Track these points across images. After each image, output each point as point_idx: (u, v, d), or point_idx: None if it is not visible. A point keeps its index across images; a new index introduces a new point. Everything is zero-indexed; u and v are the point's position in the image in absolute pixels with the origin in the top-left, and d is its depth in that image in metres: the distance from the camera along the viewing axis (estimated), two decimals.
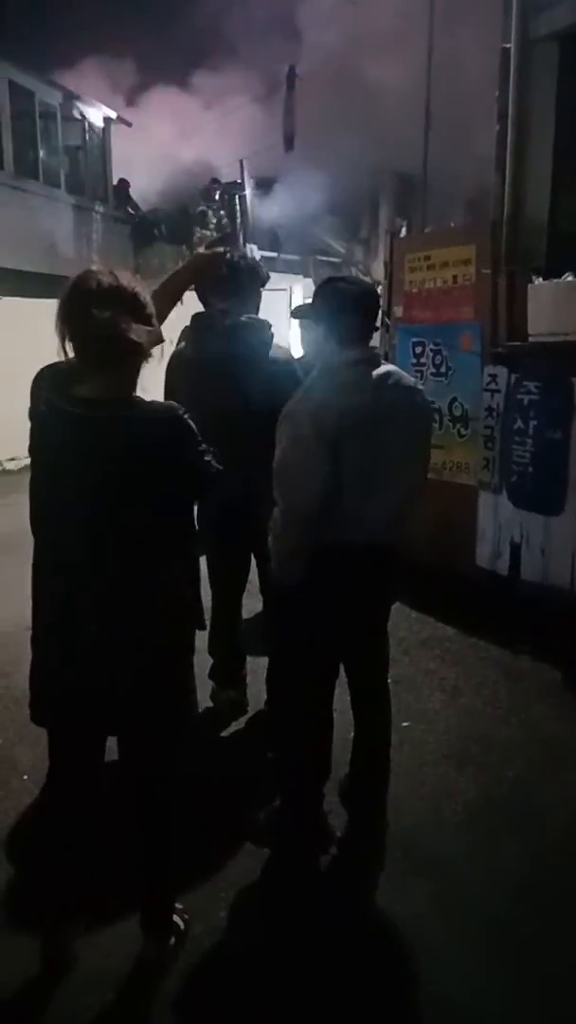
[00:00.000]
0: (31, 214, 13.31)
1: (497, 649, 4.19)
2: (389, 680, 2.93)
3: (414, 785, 3.06)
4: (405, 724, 3.43)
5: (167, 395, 2.80)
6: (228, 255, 3.16)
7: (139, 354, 1.93)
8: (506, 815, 2.92)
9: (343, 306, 2.52)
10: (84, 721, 2.06)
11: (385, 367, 2.57)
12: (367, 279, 2.81)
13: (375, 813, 2.88)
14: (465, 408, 4.87)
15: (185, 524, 2.14)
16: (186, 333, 3.29)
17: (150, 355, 1.97)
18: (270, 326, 3.23)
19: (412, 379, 2.71)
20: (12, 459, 9.33)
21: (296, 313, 2.73)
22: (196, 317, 3.27)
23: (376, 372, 2.52)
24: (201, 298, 3.25)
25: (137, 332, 1.89)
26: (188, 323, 3.32)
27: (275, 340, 3.21)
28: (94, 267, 1.96)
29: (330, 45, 15.81)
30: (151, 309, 1.98)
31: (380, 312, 2.85)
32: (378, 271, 13.82)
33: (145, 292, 2.00)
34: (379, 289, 6.52)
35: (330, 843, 2.75)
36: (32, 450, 2.01)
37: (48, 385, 1.97)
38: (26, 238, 12.85)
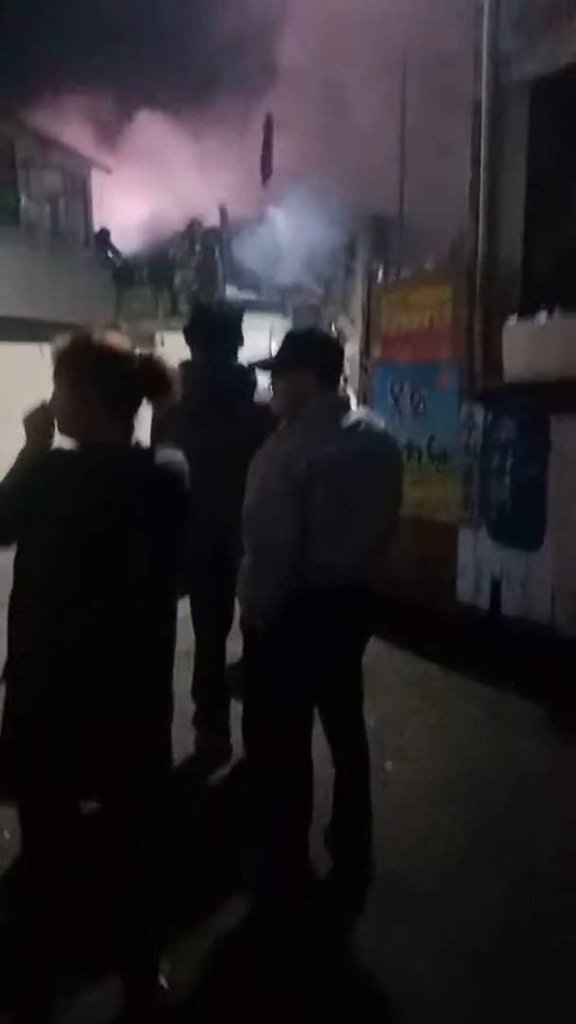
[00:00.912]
0: (11, 260, 13.43)
1: (480, 686, 4.17)
2: (372, 721, 2.90)
3: (399, 826, 3.01)
4: (388, 765, 3.39)
5: (153, 436, 2.85)
6: (212, 304, 3.33)
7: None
8: (491, 853, 2.88)
9: (308, 356, 2.55)
10: (62, 783, 1.94)
11: (355, 414, 2.59)
12: (332, 330, 2.89)
13: (360, 856, 2.83)
14: (443, 447, 4.92)
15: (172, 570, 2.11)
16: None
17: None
18: (254, 370, 3.28)
19: (382, 424, 2.73)
20: None
21: (260, 365, 2.75)
22: (184, 364, 3.32)
23: (346, 419, 2.53)
24: (188, 344, 3.38)
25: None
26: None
27: (259, 386, 3.29)
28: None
29: (307, 89, 16.22)
30: None
31: (346, 360, 2.88)
32: (355, 311, 14.05)
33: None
34: (358, 330, 6.65)
35: (316, 889, 2.70)
36: (36, 497, 1.89)
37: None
38: (6, 284, 12.96)
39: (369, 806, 2.85)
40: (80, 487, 1.86)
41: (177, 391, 2.00)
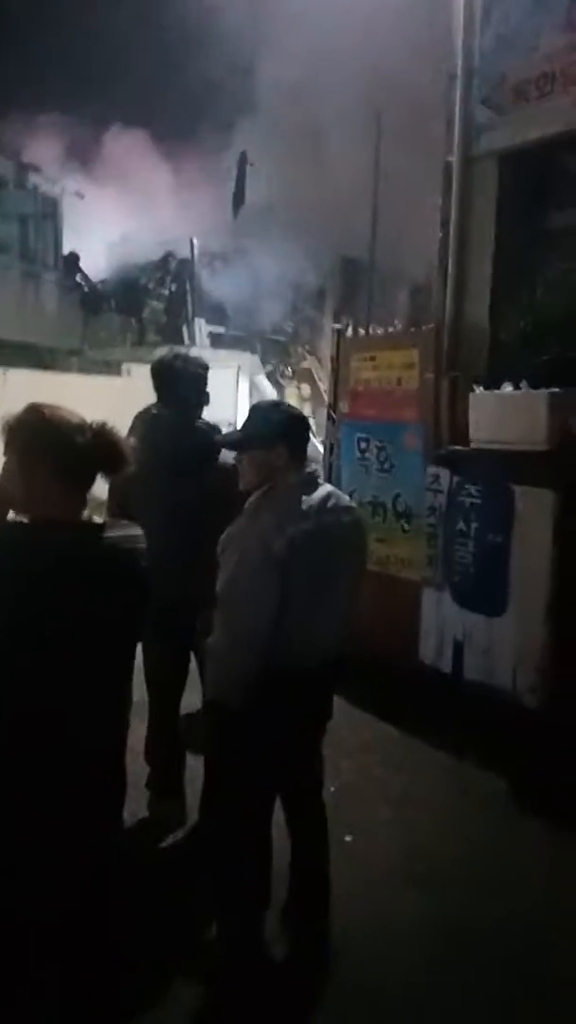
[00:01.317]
0: None
1: (441, 754, 4.17)
2: (332, 788, 2.89)
3: (357, 906, 2.97)
4: (348, 838, 3.36)
5: (112, 490, 2.88)
6: (180, 359, 3.38)
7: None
8: (450, 942, 2.85)
9: (277, 432, 2.56)
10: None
11: (324, 488, 2.61)
12: (296, 408, 2.91)
13: (317, 939, 2.80)
14: (408, 504, 4.95)
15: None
16: (137, 429, 3.36)
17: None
18: (219, 430, 3.31)
19: (348, 499, 2.76)
20: None
21: (227, 442, 2.75)
22: (152, 418, 3.36)
23: (316, 494, 2.55)
24: (158, 397, 3.37)
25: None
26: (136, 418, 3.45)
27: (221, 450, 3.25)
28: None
29: (284, 131, 16.44)
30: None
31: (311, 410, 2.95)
32: (323, 351, 14.18)
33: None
34: (326, 372, 6.67)
35: (272, 973, 2.66)
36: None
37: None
38: None
39: (327, 884, 2.83)
40: (29, 576, 1.75)
41: (131, 463, 1.91)
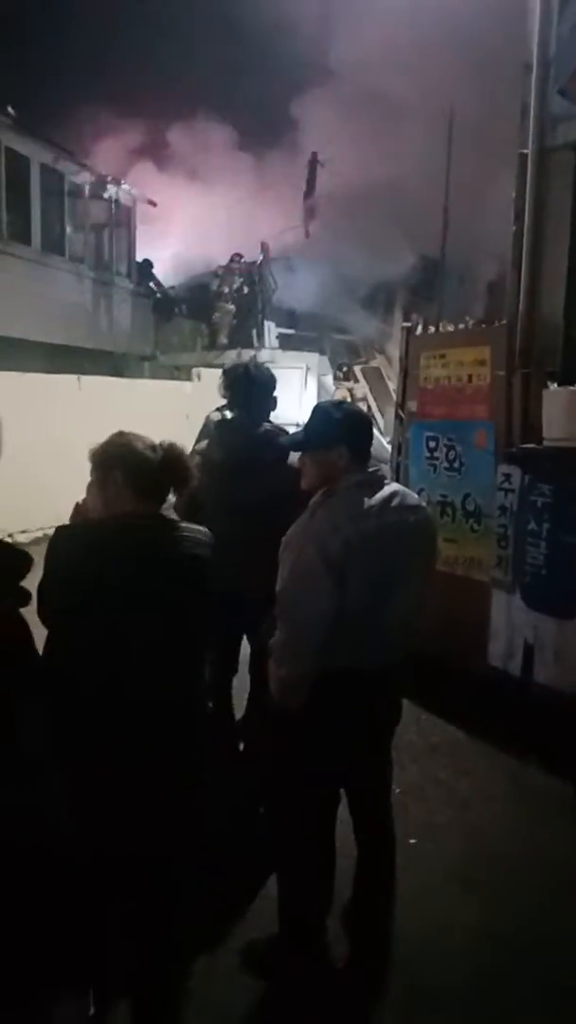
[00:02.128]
0: (56, 289, 13.67)
1: (508, 758, 4.07)
2: (397, 790, 2.84)
3: (420, 910, 2.92)
4: (412, 841, 3.30)
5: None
6: (250, 366, 3.62)
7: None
8: (513, 948, 2.78)
9: (339, 434, 2.53)
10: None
11: (389, 487, 2.56)
12: (358, 406, 3.01)
13: (379, 943, 2.76)
14: (478, 504, 4.85)
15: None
16: (206, 433, 3.56)
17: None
18: (286, 433, 3.39)
19: (416, 497, 2.70)
20: (23, 531, 9.37)
21: (290, 443, 2.75)
22: (221, 421, 3.53)
23: (380, 494, 2.51)
24: (226, 401, 3.57)
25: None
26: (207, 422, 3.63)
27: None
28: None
29: (353, 133, 16.41)
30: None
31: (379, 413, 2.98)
32: (392, 351, 14.08)
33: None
34: (395, 371, 6.61)
35: (331, 974, 2.63)
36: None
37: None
38: (51, 312, 13.19)
39: (392, 891, 2.78)
40: (97, 556, 1.98)
41: (194, 477, 2.17)
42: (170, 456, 2.10)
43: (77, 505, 2.19)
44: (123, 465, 2.06)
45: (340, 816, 2.69)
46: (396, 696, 2.73)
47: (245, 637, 3.69)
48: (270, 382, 3.57)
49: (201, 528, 2.18)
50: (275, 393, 3.62)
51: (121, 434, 2.15)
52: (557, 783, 3.83)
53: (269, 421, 3.55)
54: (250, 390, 3.50)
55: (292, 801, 2.66)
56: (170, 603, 2.02)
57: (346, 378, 15.46)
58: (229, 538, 2.34)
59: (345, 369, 15.80)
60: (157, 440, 2.11)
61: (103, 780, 1.94)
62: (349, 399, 11.93)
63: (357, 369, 15.18)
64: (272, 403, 3.59)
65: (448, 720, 4.45)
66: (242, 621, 3.40)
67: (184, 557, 2.07)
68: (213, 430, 3.51)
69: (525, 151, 5.06)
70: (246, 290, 16.35)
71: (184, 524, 2.15)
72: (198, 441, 3.63)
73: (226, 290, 16.37)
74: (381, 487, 2.55)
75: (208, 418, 3.77)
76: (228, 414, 3.56)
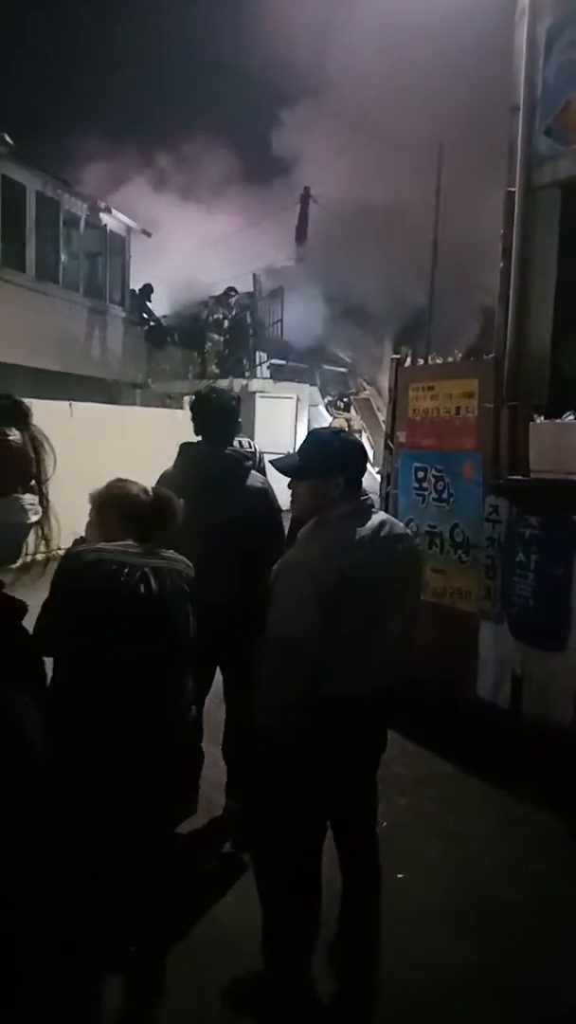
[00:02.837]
0: (50, 316, 13.75)
1: (497, 791, 4.05)
2: (384, 824, 2.82)
3: (408, 947, 2.89)
4: (400, 876, 3.27)
5: None
6: (211, 392, 3.72)
7: None
8: (503, 985, 2.75)
9: (333, 462, 2.55)
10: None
11: (378, 516, 2.58)
12: (355, 435, 3.04)
13: (365, 979, 2.71)
14: (467, 535, 4.87)
15: None
16: (177, 458, 3.66)
17: None
18: (247, 457, 3.61)
19: (402, 527, 2.73)
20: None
21: (282, 468, 2.75)
22: (184, 446, 3.64)
23: (370, 523, 2.52)
24: (193, 428, 3.67)
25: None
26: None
27: (252, 471, 3.57)
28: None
29: (344, 172, 16.67)
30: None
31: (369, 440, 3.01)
32: (382, 382, 14.22)
33: None
34: (384, 414, 6.67)
35: (317, 1011, 2.59)
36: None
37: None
38: (44, 338, 13.24)
39: (378, 925, 2.74)
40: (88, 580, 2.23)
41: (179, 519, 2.39)
42: (159, 499, 2.38)
43: (76, 541, 2.41)
44: (119, 506, 2.35)
45: (325, 849, 2.67)
46: (383, 725, 2.72)
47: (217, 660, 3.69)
48: (230, 407, 3.67)
49: (181, 557, 2.40)
50: (239, 418, 3.76)
51: (119, 479, 2.43)
52: (546, 816, 3.81)
53: (232, 445, 3.63)
54: (211, 415, 3.58)
55: (277, 833, 2.63)
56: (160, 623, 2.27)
57: (346, 408, 15.63)
58: (201, 561, 2.47)
59: (345, 400, 16.00)
60: (147, 467, 2.49)
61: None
62: (347, 428, 12.03)
63: (341, 402, 15.34)
64: (235, 428, 3.70)
65: (436, 752, 4.43)
66: (209, 641, 3.41)
67: (166, 582, 2.29)
68: (178, 455, 3.62)
69: (513, 189, 5.16)
70: (236, 321, 16.47)
71: (168, 553, 2.36)
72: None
73: (218, 319, 16.49)
74: (370, 516, 2.56)
75: (179, 446, 3.84)
76: (193, 441, 3.68)
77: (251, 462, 3.61)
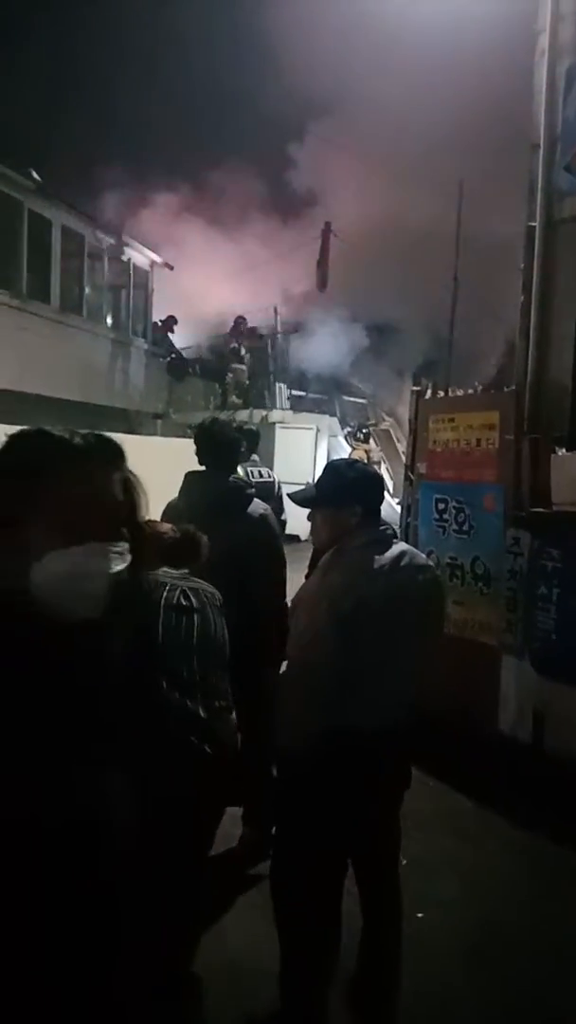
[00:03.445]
0: (73, 347, 13.94)
1: (517, 828, 3.97)
2: (403, 861, 2.78)
3: (426, 988, 2.82)
4: (420, 915, 3.21)
5: None
6: (214, 423, 3.85)
7: None
8: None
9: (351, 492, 2.55)
10: None
11: (398, 546, 2.57)
12: (372, 466, 3.09)
13: (383, 1021, 2.66)
14: (487, 567, 4.84)
15: None
16: (181, 486, 3.80)
17: None
18: (249, 485, 3.74)
19: (424, 557, 2.71)
20: None
21: (301, 500, 2.77)
22: (188, 474, 3.74)
23: (389, 553, 2.51)
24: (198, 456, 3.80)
25: None
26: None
27: (255, 499, 3.66)
28: None
29: (365, 206, 16.89)
30: None
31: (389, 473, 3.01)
32: (402, 413, 14.29)
33: None
34: (404, 444, 6.67)
35: None
36: None
37: None
38: (68, 369, 13.42)
39: (399, 965, 2.69)
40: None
41: (203, 556, 2.40)
42: (185, 536, 2.38)
43: None
44: (151, 543, 2.35)
45: (346, 888, 2.63)
46: (404, 759, 2.68)
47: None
48: (231, 437, 3.77)
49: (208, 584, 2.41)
50: (241, 447, 3.88)
51: (151, 521, 2.42)
52: (568, 853, 3.73)
53: (236, 474, 3.75)
54: (212, 445, 3.69)
55: (293, 866, 2.60)
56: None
57: (365, 440, 15.71)
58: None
59: (365, 431, 16.11)
60: (167, 495, 2.40)
61: None
62: (365, 460, 12.09)
63: (361, 433, 15.43)
64: (237, 457, 3.83)
65: (455, 787, 4.36)
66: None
67: (203, 597, 2.32)
68: (183, 483, 3.73)
69: (533, 224, 5.22)
70: (257, 353, 16.63)
71: (195, 579, 2.36)
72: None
73: (235, 348, 16.66)
74: (390, 546, 2.56)
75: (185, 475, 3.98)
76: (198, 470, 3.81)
77: (253, 490, 3.70)
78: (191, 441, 3.86)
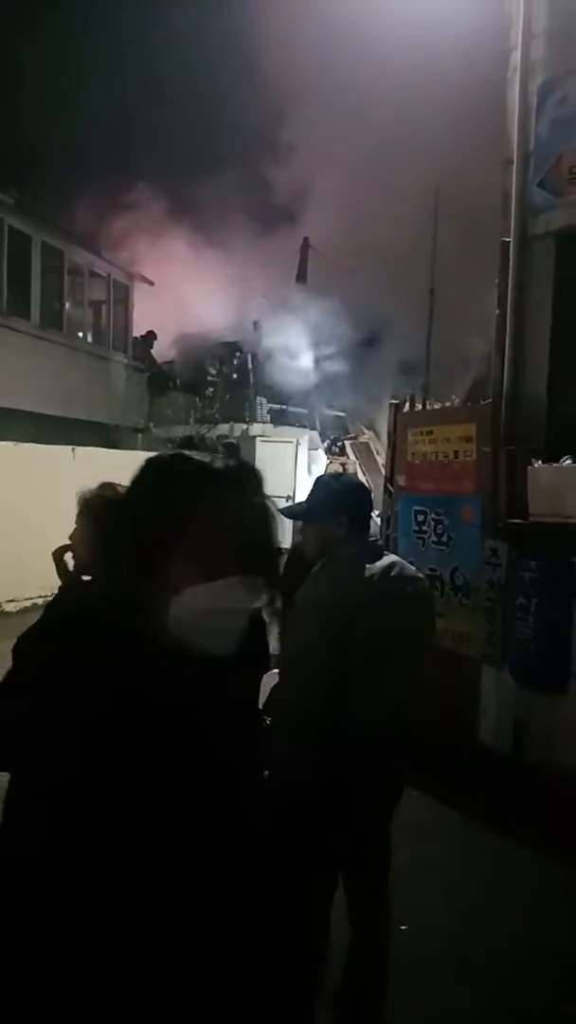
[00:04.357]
0: (53, 362, 13.92)
1: (500, 838, 3.99)
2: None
3: (411, 1000, 2.82)
4: (403, 927, 3.21)
5: None
6: (195, 438, 3.75)
7: None
8: None
9: (338, 505, 2.58)
10: None
11: (388, 558, 2.59)
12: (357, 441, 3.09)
13: None
14: (467, 578, 4.88)
15: None
16: None
17: None
18: None
19: (413, 569, 2.73)
20: (12, 600, 9.31)
21: (290, 514, 2.78)
22: None
23: (379, 563, 2.53)
24: None
25: None
26: None
27: None
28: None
29: (343, 220, 17.03)
30: None
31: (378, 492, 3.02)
32: (381, 426, 14.38)
33: None
34: (383, 457, 6.74)
35: None
36: None
37: None
38: (48, 384, 13.40)
39: (385, 977, 2.69)
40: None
41: None
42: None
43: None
44: None
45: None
46: (395, 771, 2.68)
47: None
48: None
49: None
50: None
51: (114, 487, 2.39)
52: (551, 863, 3.75)
53: None
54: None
55: (287, 881, 2.59)
56: None
57: (340, 452, 15.78)
58: None
59: (340, 444, 16.17)
60: None
61: None
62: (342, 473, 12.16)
63: (347, 444, 15.50)
64: None
65: (438, 799, 4.36)
66: None
67: None
68: None
69: (507, 239, 5.28)
70: (237, 367, 16.70)
71: None
72: None
73: (215, 367, 16.73)
74: (380, 556, 2.58)
75: None
76: None
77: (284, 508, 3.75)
78: None
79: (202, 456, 1.31)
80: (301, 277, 17.85)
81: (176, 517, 1.24)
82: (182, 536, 1.23)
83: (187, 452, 1.33)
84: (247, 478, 1.32)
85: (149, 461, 1.35)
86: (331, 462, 14.58)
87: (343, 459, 15.09)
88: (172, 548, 1.23)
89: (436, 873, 3.71)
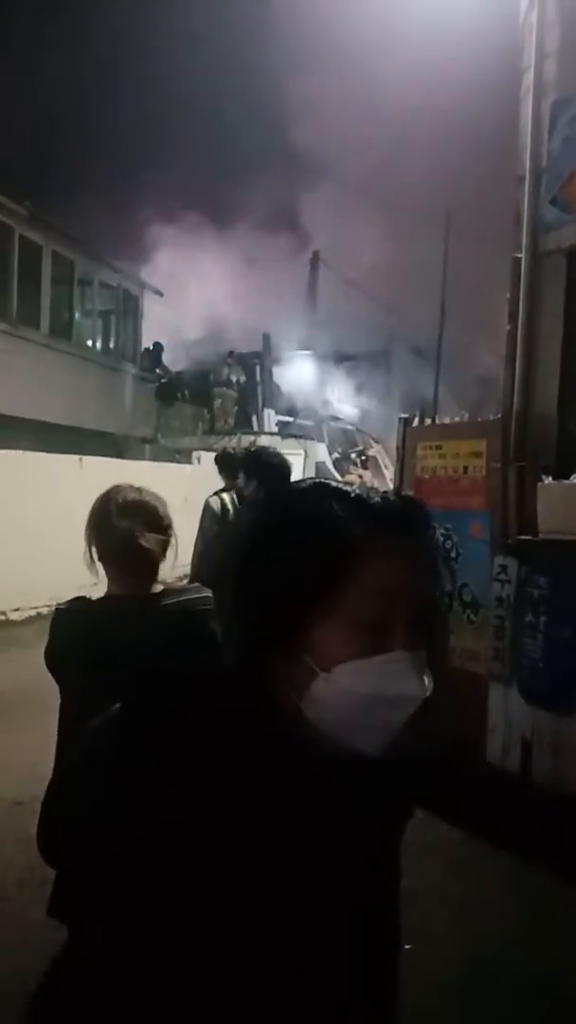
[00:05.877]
0: (62, 372, 13.97)
1: (507, 859, 3.94)
2: None
3: (414, 1021, 2.78)
4: (407, 946, 3.16)
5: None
6: (247, 448, 3.96)
7: (150, 559, 2.23)
8: None
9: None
10: None
11: None
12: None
13: None
14: (475, 594, 4.85)
15: None
16: (209, 515, 4.13)
17: (163, 558, 2.28)
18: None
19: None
20: (17, 609, 9.30)
21: None
22: (216, 497, 4.12)
23: None
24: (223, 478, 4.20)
25: (148, 540, 2.21)
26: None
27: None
28: (123, 484, 2.31)
29: (354, 235, 17.10)
30: (168, 521, 2.19)
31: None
32: (389, 438, 14.38)
33: (163, 506, 2.34)
34: (391, 471, 6.72)
35: None
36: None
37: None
38: (56, 393, 13.44)
39: (394, 998, 2.64)
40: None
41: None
42: None
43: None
44: None
45: None
46: (406, 787, 2.64)
47: None
48: (281, 459, 4.16)
49: (205, 595, 2.34)
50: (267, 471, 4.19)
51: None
52: (557, 885, 3.70)
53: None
54: (261, 467, 4.08)
55: None
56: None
57: (362, 465, 15.89)
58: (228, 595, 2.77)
59: (363, 458, 16.31)
60: None
61: None
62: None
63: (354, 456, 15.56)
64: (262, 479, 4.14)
65: (443, 818, 4.31)
66: None
67: (182, 633, 2.14)
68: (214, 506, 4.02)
69: (519, 255, 5.28)
70: (245, 379, 16.74)
71: (187, 596, 2.31)
72: (202, 522, 4.21)
73: (224, 378, 16.76)
74: None
75: (208, 501, 4.05)
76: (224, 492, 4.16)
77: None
78: (180, 466, 4.06)
79: (358, 491, 0.99)
80: (311, 290, 17.89)
81: (321, 569, 0.92)
82: (329, 591, 0.92)
83: (330, 482, 1.01)
84: (417, 518, 0.99)
85: (281, 492, 1.10)
86: (349, 473, 14.62)
87: (361, 471, 15.14)
88: (316, 607, 0.93)
89: (440, 893, 3.66)
